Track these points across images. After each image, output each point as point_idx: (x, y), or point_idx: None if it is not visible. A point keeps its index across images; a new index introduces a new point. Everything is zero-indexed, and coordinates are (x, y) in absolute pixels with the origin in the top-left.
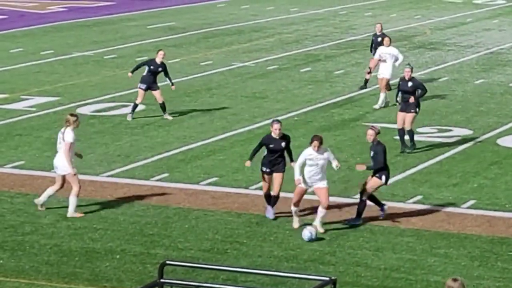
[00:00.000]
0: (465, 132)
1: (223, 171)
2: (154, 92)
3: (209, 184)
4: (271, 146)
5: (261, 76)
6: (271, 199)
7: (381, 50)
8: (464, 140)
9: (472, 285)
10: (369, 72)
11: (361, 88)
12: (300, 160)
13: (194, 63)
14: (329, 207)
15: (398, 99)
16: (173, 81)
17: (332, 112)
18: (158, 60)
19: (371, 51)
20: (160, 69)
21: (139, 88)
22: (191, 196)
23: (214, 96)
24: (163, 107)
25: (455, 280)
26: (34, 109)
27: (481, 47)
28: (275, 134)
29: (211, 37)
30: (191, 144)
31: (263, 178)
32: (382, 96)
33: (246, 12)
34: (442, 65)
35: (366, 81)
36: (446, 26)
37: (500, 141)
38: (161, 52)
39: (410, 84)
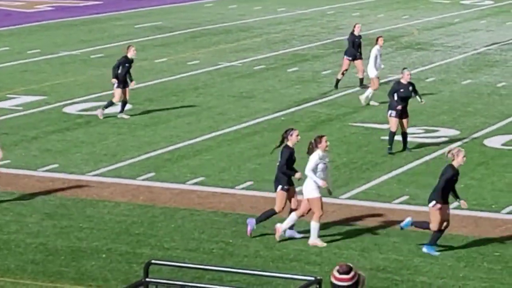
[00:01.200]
0: (452, 132)
1: (210, 171)
2: (125, 89)
3: (196, 183)
4: (293, 158)
5: (248, 76)
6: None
7: (378, 50)
8: (451, 141)
9: (458, 286)
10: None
11: (362, 87)
12: (312, 165)
13: (181, 62)
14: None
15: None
16: (159, 80)
17: (319, 112)
18: (131, 55)
19: (351, 54)
20: (132, 64)
21: (118, 88)
22: (178, 196)
23: (201, 95)
24: (124, 105)
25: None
26: (20, 108)
27: (469, 48)
28: (293, 142)
29: (198, 36)
30: (178, 143)
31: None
32: (371, 92)
33: (233, 12)
34: (429, 66)
35: (362, 80)
36: (433, 26)
37: (487, 142)
38: (134, 48)
39: (411, 88)
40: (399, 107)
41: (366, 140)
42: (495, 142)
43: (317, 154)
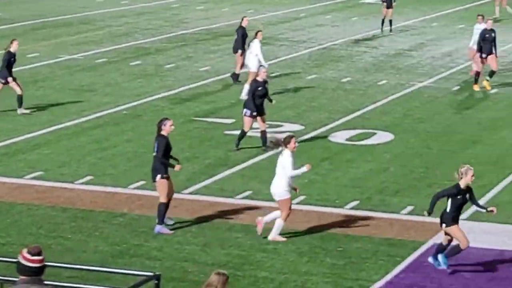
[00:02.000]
0: (297, 127)
1: (49, 165)
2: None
3: (34, 178)
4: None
5: (90, 69)
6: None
7: (259, 43)
8: (296, 136)
9: (301, 281)
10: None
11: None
12: (290, 164)
13: (21, 55)
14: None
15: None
16: None
17: (163, 106)
18: (14, 49)
19: (243, 47)
20: (14, 58)
21: (9, 82)
22: (15, 190)
23: (41, 88)
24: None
25: (218, 274)
26: None
27: (314, 43)
28: (167, 132)
29: (39, 29)
30: (16, 137)
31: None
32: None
33: (75, 4)
34: (275, 60)
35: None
36: (279, 21)
37: (331, 137)
38: (16, 42)
39: (266, 85)
40: (255, 111)
41: (209, 135)
42: (339, 137)
43: (288, 154)
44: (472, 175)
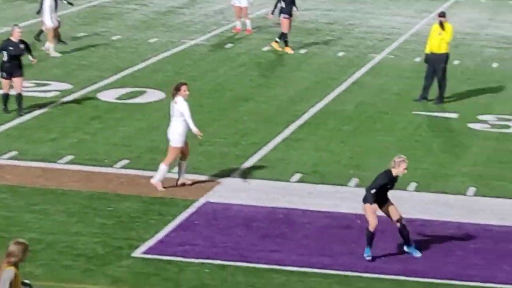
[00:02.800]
0: (65, 86)
1: None
2: None
3: None
4: None
5: None
6: None
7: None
8: (63, 95)
9: (70, 242)
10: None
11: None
12: (188, 111)
13: None
14: None
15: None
16: None
17: None
18: None
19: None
20: None
21: None
22: None
23: None
24: None
25: (18, 243)
26: None
27: (83, 0)
28: None
29: None
30: None
31: None
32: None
33: None
34: (41, 19)
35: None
36: None
37: (100, 95)
38: None
39: (22, 46)
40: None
41: None
42: (108, 95)
43: (182, 100)
44: (405, 168)
